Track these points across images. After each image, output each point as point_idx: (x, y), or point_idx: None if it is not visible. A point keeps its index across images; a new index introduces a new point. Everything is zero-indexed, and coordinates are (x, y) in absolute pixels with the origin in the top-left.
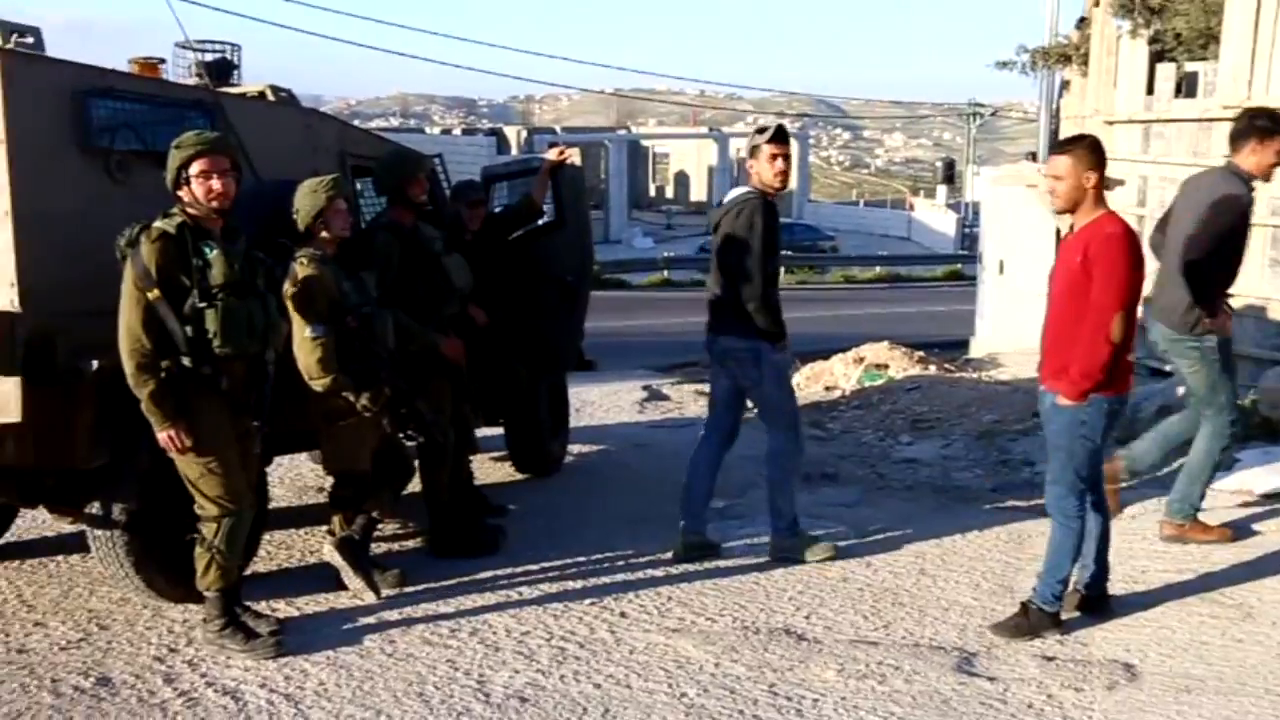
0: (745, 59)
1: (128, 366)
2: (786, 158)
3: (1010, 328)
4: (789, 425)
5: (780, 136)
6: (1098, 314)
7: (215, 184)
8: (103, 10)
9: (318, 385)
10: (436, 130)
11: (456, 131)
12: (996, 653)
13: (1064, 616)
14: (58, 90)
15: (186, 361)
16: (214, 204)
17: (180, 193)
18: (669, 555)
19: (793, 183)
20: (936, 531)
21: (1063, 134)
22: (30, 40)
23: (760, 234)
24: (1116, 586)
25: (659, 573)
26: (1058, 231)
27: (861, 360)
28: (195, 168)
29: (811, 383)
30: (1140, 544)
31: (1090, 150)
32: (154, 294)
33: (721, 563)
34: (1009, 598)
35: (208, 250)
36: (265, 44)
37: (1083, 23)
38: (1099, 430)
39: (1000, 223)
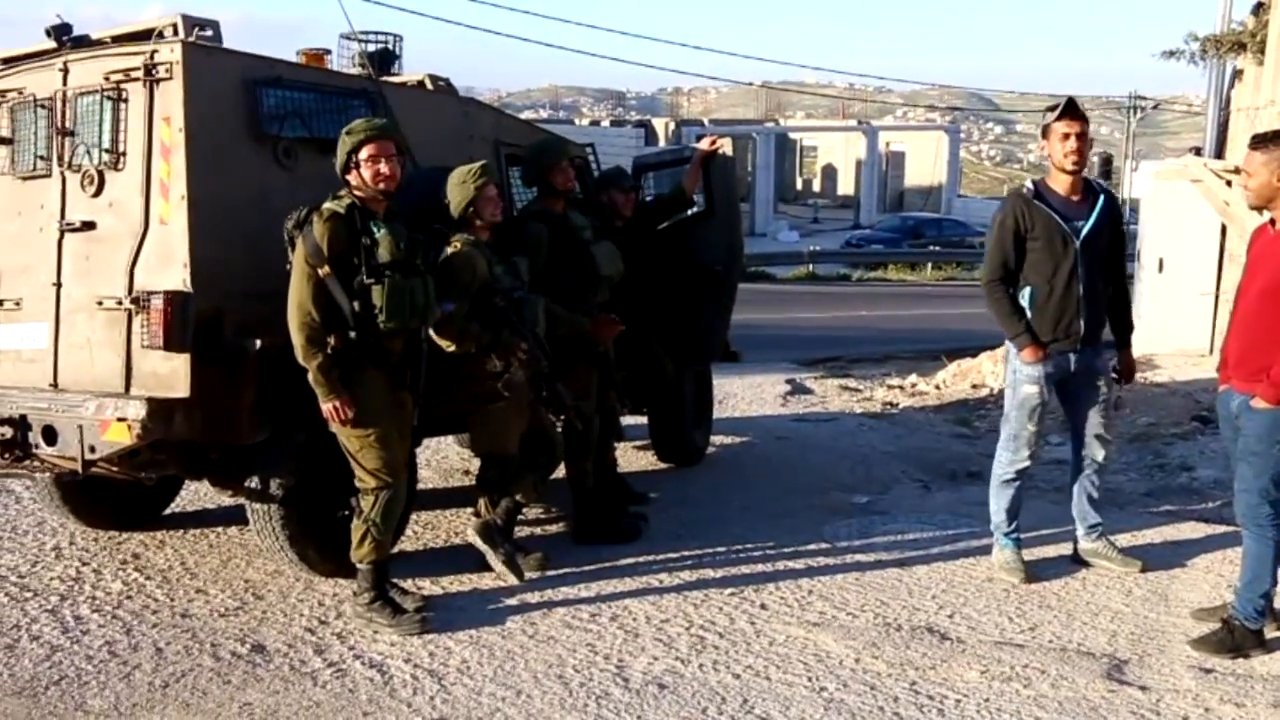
0: (895, 51)
1: (297, 340)
2: (1081, 135)
3: (1168, 328)
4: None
5: (1072, 111)
6: None
7: (384, 168)
8: (275, 7)
9: (446, 347)
10: (585, 121)
11: (605, 123)
12: (1150, 661)
13: (1269, 635)
14: (232, 80)
15: (352, 335)
16: (381, 186)
17: (349, 176)
18: (810, 548)
19: (943, 176)
20: None
21: (1233, 128)
22: (209, 33)
23: (994, 232)
24: None
25: (800, 565)
26: (1223, 229)
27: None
28: (365, 152)
29: (959, 380)
30: None
31: None
32: (325, 270)
33: (863, 558)
34: (1163, 605)
35: (375, 230)
36: (425, 35)
37: (1260, 8)
38: None
39: (1161, 220)
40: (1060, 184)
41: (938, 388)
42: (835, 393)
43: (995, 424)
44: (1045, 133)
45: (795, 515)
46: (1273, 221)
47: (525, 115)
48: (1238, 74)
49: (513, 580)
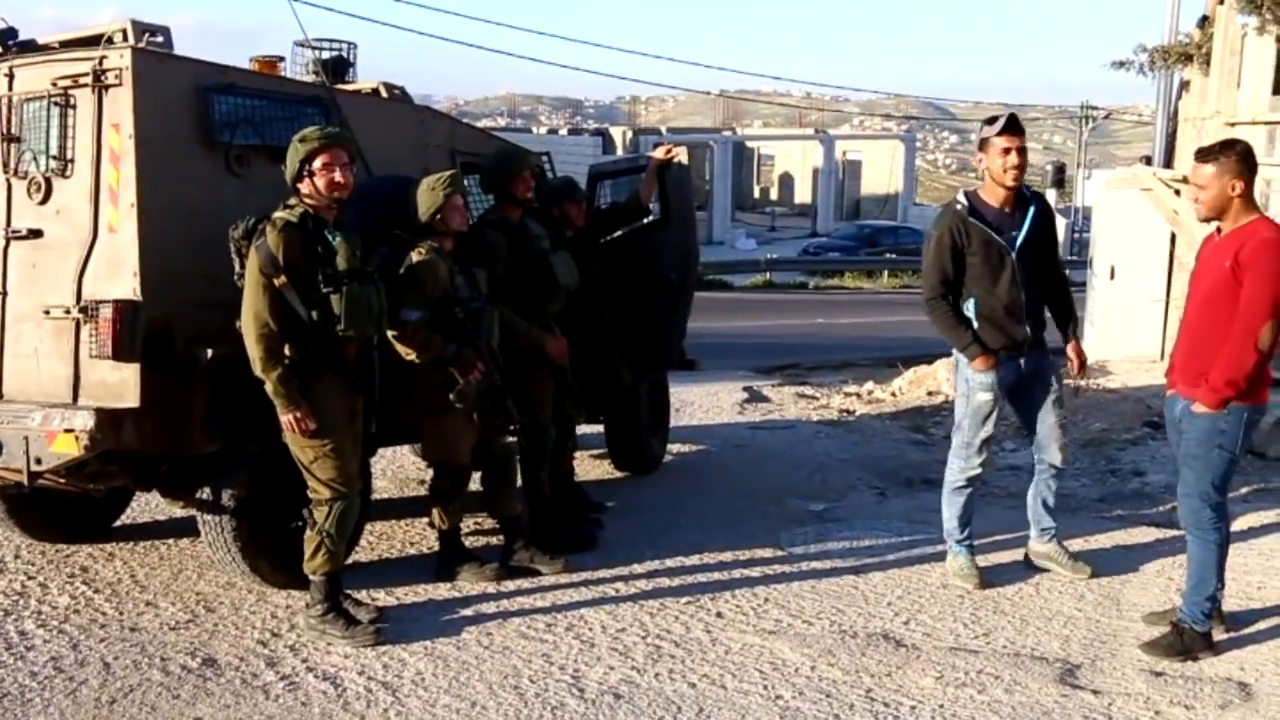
0: (852, 60)
1: (255, 351)
2: (1021, 150)
3: (1120, 335)
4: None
5: (1012, 127)
6: (1246, 320)
7: (337, 176)
8: (230, 13)
9: (408, 356)
10: (543, 130)
11: (563, 131)
12: (1102, 665)
13: (1217, 637)
14: (183, 87)
15: (311, 346)
16: (335, 195)
17: (300, 184)
18: (766, 555)
19: (899, 185)
20: None
21: (1181, 138)
22: (160, 39)
23: (931, 249)
24: (1231, 603)
25: (755, 573)
26: (1173, 237)
27: None
28: (318, 161)
29: (914, 387)
30: (1256, 559)
31: (1239, 159)
32: (280, 280)
33: (819, 565)
34: (1115, 609)
35: (331, 238)
36: (379, 43)
37: (1205, 21)
38: (1237, 440)
39: (1112, 228)
40: (994, 196)
41: (894, 395)
42: (792, 400)
43: (950, 430)
44: (983, 145)
45: (751, 523)
46: (1218, 230)
47: (483, 123)
48: (1185, 85)
49: (467, 589)
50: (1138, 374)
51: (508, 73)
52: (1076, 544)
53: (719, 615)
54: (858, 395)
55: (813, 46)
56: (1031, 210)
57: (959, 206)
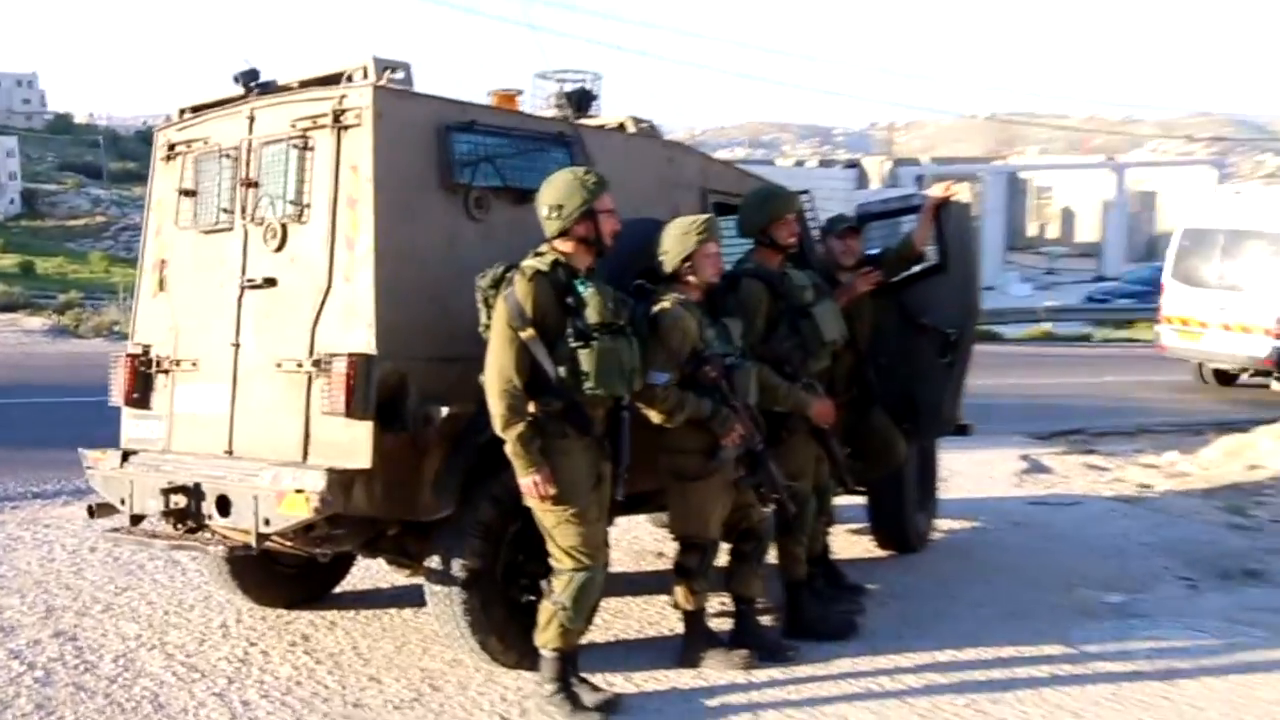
0: (1145, 74)
1: (497, 408)
2: None
3: None
4: None
5: None
6: None
7: (615, 222)
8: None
9: (659, 419)
10: (789, 161)
11: (811, 163)
12: None
13: None
14: (423, 126)
15: (558, 403)
16: (609, 243)
17: (563, 239)
18: (1055, 653)
19: None
20: None
21: None
22: (401, 76)
23: None
24: None
25: (1042, 673)
26: None
27: None
28: (600, 206)
29: (1230, 460)
30: None
31: None
32: (528, 333)
33: (1119, 668)
34: None
35: (581, 288)
36: (615, 70)
37: None
38: None
39: None
40: None
41: (1203, 468)
42: (1078, 471)
43: (1278, 512)
44: None
45: (1036, 614)
46: None
47: (721, 154)
48: None
49: (713, 678)
50: None
51: (748, 99)
52: None
53: None
54: (1157, 467)
55: (1097, 60)
56: None
57: None
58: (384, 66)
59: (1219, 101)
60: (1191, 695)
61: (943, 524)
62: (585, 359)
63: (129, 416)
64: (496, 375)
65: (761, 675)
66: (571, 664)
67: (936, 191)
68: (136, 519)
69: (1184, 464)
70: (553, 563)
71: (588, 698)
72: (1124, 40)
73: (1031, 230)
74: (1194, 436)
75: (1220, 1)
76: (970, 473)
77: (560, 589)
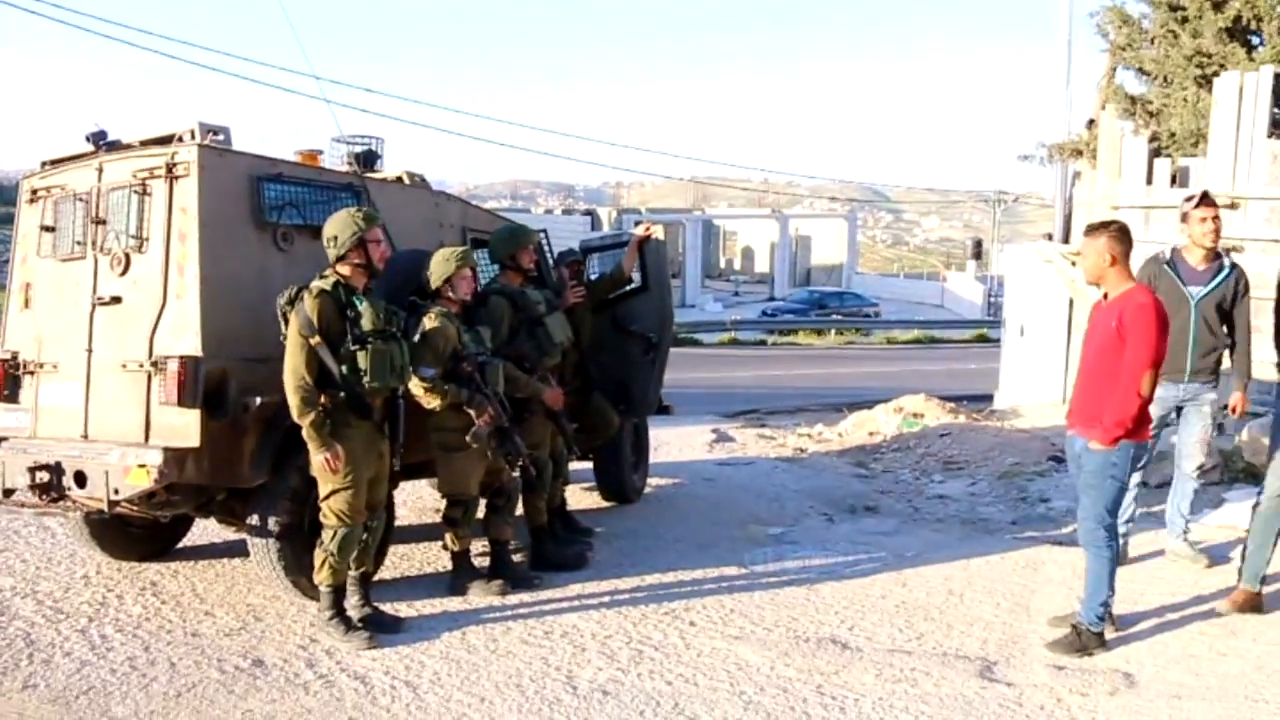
0: (803, 151)
1: (293, 400)
2: (1216, 218)
3: (1029, 383)
4: None
5: (1206, 200)
6: (1131, 371)
7: (384, 248)
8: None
9: (429, 405)
10: (540, 210)
11: (557, 211)
12: (1014, 661)
13: (1109, 636)
14: (239, 176)
15: (341, 395)
16: (379, 266)
17: (340, 264)
18: (732, 572)
19: (843, 256)
20: (963, 557)
21: (1076, 218)
22: (221, 136)
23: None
24: (1119, 607)
25: (723, 587)
26: (1070, 301)
27: (901, 410)
28: (370, 236)
29: (857, 429)
30: (1140, 570)
31: (1111, 235)
32: (315, 340)
33: (777, 580)
34: (1025, 615)
35: (358, 303)
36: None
37: (1092, 123)
38: (1126, 471)
39: (1020, 293)
40: (1193, 256)
41: (840, 435)
42: (754, 440)
43: (889, 465)
44: (1184, 219)
45: (719, 545)
46: (1105, 295)
47: (489, 204)
48: (1077, 175)
49: (476, 602)
50: (1043, 416)
51: (511, 161)
52: (992, 560)
53: (692, 624)
54: (809, 436)
55: (770, 139)
56: (1224, 272)
57: (1161, 255)
58: (208, 130)
59: (854, 173)
60: (825, 596)
61: (653, 481)
62: (362, 359)
63: (1, 410)
64: (291, 374)
65: (513, 599)
66: (341, 594)
67: (639, 231)
68: (8, 492)
69: (828, 433)
70: (322, 519)
71: (355, 619)
72: (788, 127)
73: (722, 263)
74: (835, 413)
75: (858, 96)
76: (674, 442)
77: (329, 540)
